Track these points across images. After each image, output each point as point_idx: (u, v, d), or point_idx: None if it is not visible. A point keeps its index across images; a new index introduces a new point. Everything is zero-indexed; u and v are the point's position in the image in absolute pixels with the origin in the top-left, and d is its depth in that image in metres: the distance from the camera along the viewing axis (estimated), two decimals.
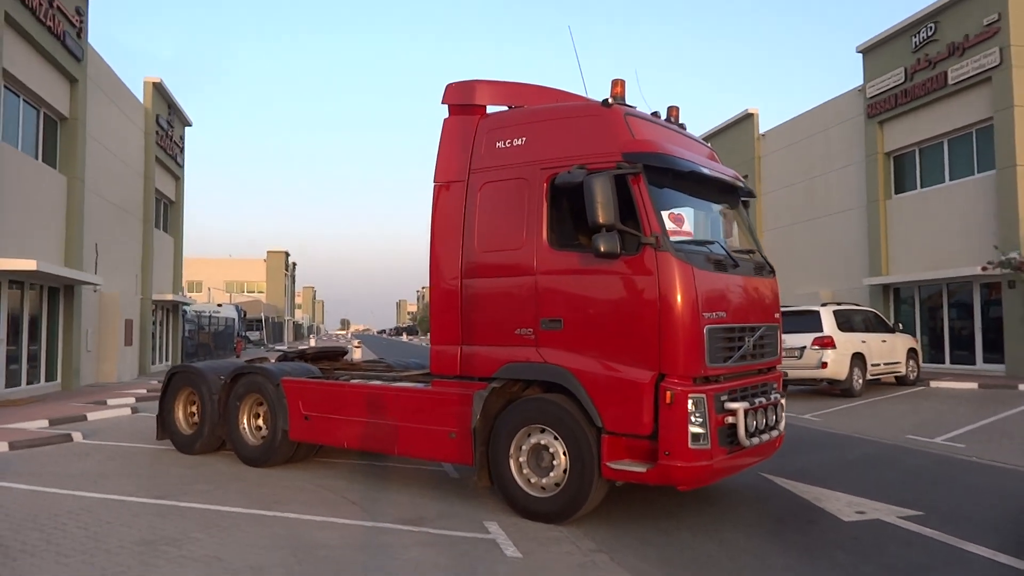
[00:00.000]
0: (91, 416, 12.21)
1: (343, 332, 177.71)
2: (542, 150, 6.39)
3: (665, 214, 5.91)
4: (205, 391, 8.83)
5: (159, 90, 24.42)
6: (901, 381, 16.87)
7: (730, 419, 5.87)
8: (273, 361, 9.41)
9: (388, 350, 47.26)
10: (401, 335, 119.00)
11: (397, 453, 7.23)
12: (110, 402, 14.09)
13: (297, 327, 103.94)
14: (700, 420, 5.59)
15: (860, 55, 22.78)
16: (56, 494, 6.91)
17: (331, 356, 9.91)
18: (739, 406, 5.90)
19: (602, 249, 5.70)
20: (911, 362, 16.98)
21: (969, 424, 11.22)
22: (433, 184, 7.02)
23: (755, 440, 6.07)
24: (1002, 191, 17.91)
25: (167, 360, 27.04)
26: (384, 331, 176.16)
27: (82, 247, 17.52)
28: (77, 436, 10.12)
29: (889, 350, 16.15)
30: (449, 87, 7.04)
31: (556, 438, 6.04)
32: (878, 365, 15.73)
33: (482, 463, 6.43)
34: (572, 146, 6.23)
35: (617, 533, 5.83)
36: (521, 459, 6.21)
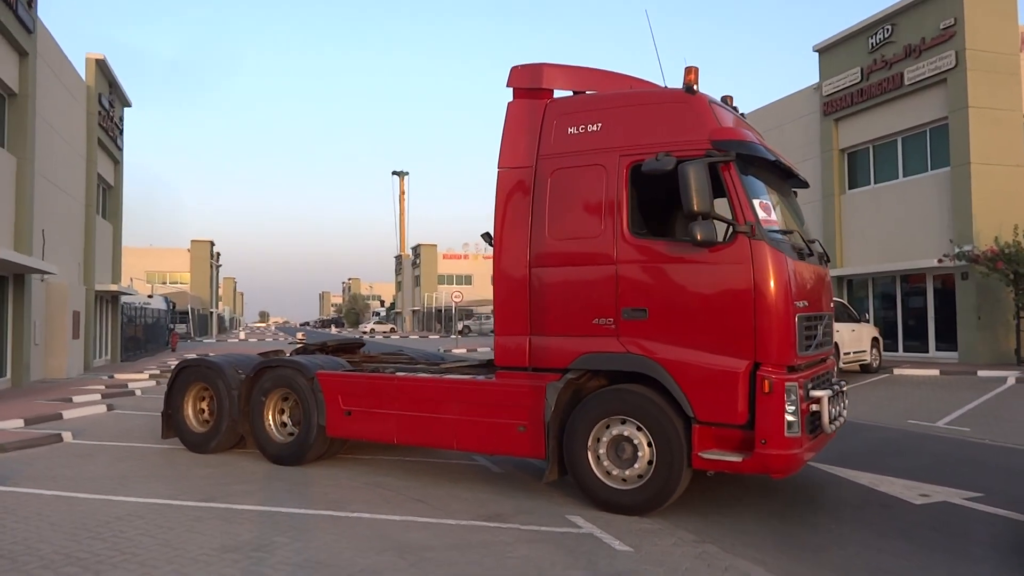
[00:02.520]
0: (66, 415, 11.38)
1: (262, 324, 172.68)
2: (621, 136, 6.26)
3: (756, 202, 5.88)
4: (222, 386, 8.33)
5: (102, 67, 22.98)
6: (865, 369, 17.56)
7: (814, 407, 5.91)
8: (290, 354, 8.98)
9: None
10: (329, 327, 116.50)
11: (456, 448, 6.99)
12: (76, 399, 13.19)
13: (220, 319, 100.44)
14: (794, 408, 5.60)
15: (816, 54, 23.53)
16: (89, 499, 6.37)
17: (349, 348, 9.53)
18: (823, 393, 5.95)
19: (700, 237, 5.63)
20: (874, 350, 17.70)
21: (958, 409, 11.75)
22: (497, 169, 6.79)
23: (834, 426, 6.15)
24: (957, 188, 18.84)
25: (106, 355, 25.61)
26: (307, 323, 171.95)
27: (32, 234, 16.31)
28: (67, 436, 9.40)
29: (857, 339, 16.78)
30: (515, 70, 6.82)
31: (639, 429, 5.94)
32: (848, 354, 16.32)
33: (553, 456, 6.28)
34: (654, 133, 6.12)
35: (705, 523, 5.78)
36: (600, 451, 6.08)
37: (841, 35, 22.37)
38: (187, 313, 64.84)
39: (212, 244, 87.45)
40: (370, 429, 7.43)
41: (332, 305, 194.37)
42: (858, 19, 21.62)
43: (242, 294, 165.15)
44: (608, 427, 6.07)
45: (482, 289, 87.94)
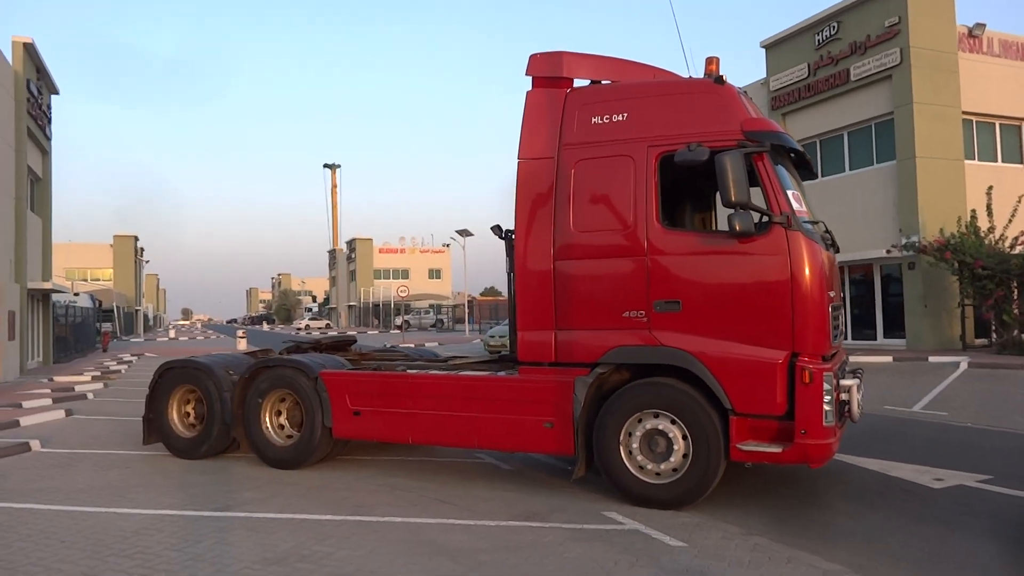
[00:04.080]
0: (23, 421, 10.63)
1: (185, 322, 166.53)
2: (648, 127, 6.18)
3: (789, 193, 5.90)
4: (212, 388, 7.90)
5: (30, 52, 21.56)
6: None
7: (843, 395, 5.98)
8: (280, 353, 8.60)
9: (277, 341, 44.98)
10: (260, 324, 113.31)
11: (477, 446, 6.82)
12: (27, 405, 12.35)
13: (144, 317, 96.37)
14: (830, 398, 5.65)
15: (763, 50, 24.08)
16: (92, 513, 5.92)
17: (342, 346, 9.19)
18: (852, 383, 6.02)
19: (738, 228, 5.61)
20: None
21: (926, 395, 12.21)
22: (517, 160, 6.62)
23: (859, 414, 6.24)
24: (903, 181, 19.61)
25: (38, 357, 24.16)
26: (234, 320, 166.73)
27: None
28: (35, 444, 8.77)
29: None
30: (534, 58, 6.66)
31: (673, 422, 5.90)
32: None
33: (582, 452, 6.18)
34: (683, 123, 6.07)
35: (744, 514, 5.80)
36: (633, 446, 6.01)
37: (788, 31, 22.96)
38: (112, 311, 62.01)
39: (136, 239, 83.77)
40: (382, 429, 7.17)
41: (260, 301, 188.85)
42: (804, 16, 22.16)
43: (164, 291, 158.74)
44: (640, 421, 6.00)
45: (420, 283, 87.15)
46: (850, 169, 21.49)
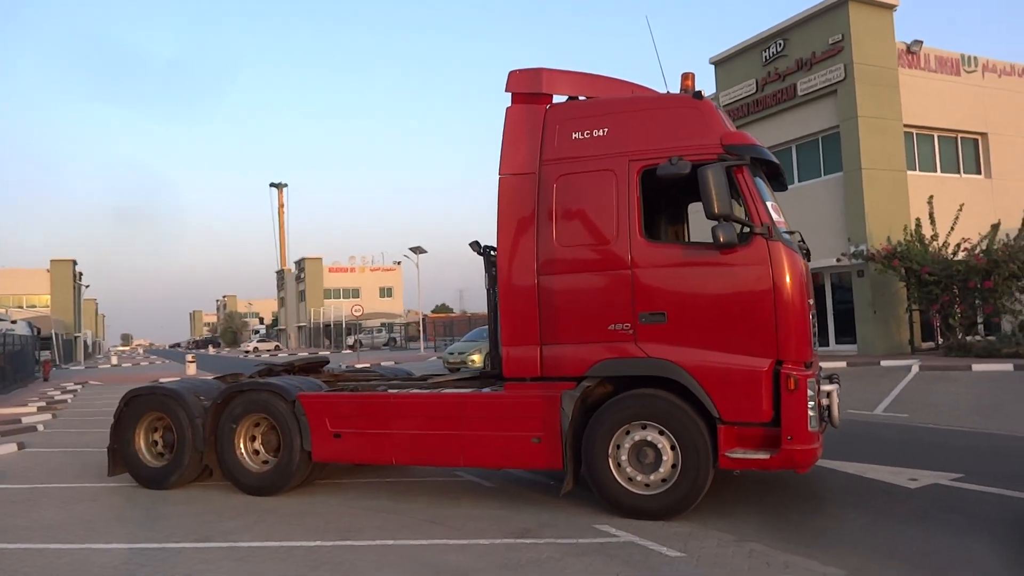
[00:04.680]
0: None
1: (126, 348, 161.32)
2: (628, 141, 6.27)
3: (768, 204, 6.04)
4: (183, 415, 7.65)
5: None
6: None
7: (824, 400, 6.12)
8: (251, 376, 8.39)
9: (229, 365, 43.91)
10: (206, 347, 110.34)
11: (463, 464, 6.76)
12: None
13: (84, 344, 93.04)
14: (813, 404, 5.78)
15: (712, 66, 24.70)
16: (69, 550, 5.64)
17: (314, 368, 9.01)
18: (832, 388, 6.19)
19: (722, 240, 5.72)
20: None
21: (884, 397, 12.58)
22: (498, 176, 6.63)
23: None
24: (849, 191, 20.26)
25: None
26: (178, 345, 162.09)
27: None
28: None
29: None
30: (513, 74, 6.69)
31: (661, 433, 5.94)
32: None
33: (570, 466, 6.18)
34: (663, 138, 6.17)
35: (732, 522, 5.86)
36: (622, 458, 6.04)
37: (736, 48, 23.60)
38: (50, 339, 59.65)
39: (74, 263, 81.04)
40: (364, 451, 7.05)
41: (205, 324, 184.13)
42: (750, 34, 22.79)
43: (104, 316, 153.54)
44: (628, 433, 6.04)
45: (371, 302, 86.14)
46: (799, 181, 22.10)
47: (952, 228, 18.81)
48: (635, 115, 6.38)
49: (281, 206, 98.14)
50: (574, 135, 6.44)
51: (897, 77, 20.62)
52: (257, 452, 7.53)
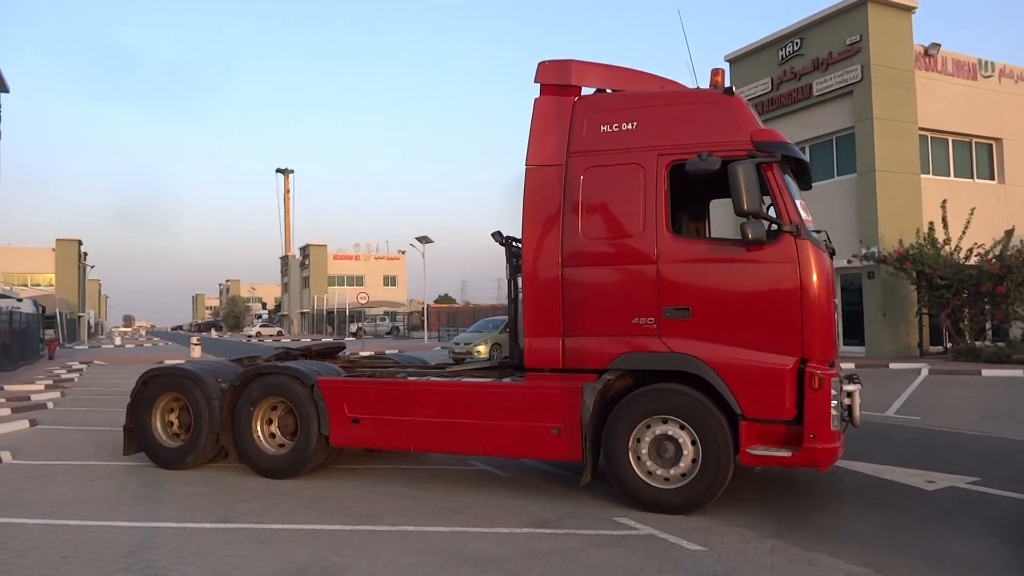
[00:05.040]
0: None
1: (127, 329, 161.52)
2: (658, 136, 6.25)
3: (798, 202, 6.02)
4: (199, 396, 7.66)
5: None
6: None
7: (846, 400, 6.12)
8: (265, 360, 8.40)
9: (232, 348, 44.11)
10: (209, 331, 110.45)
11: (482, 453, 6.76)
12: None
13: (87, 324, 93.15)
14: (836, 403, 5.77)
15: (727, 64, 24.61)
16: (88, 527, 5.67)
17: (330, 354, 9.02)
18: (855, 388, 6.17)
19: (751, 236, 5.70)
20: None
21: (896, 400, 12.57)
22: (525, 167, 6.61)
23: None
24: (862, 193, 20.22)
25: None
26: (180, 327, 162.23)
27: None
28: (6, 456, 8.36)
29: None
30: (542, 65, 6.67)
31: (683, 428, 5.94)
32: None
33: (589, 458, 6.19)
34: (693, 133, 6.15)
35: (752, 518, 5.86)
36: (642, 451, 6.04)
37: (752, 46, 23.51)
38: (55, 318, 59.78)
39: (80, 243, 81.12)
40: (382, 437, 7.06)
41: (207, 308, 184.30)
42: (766, 32, 22.76)
43: (107, 297, 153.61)
44: (649, 427, 6.03)
45: (375, 290, 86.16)
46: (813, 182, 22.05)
47: (964, 232, 18.76)
48: (665, 109, 6.35)
49: (287, 192, 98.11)
50: (603, 128, 6.41)
51: (914, 80, 20.54)
52: (273, 435, 7.54)
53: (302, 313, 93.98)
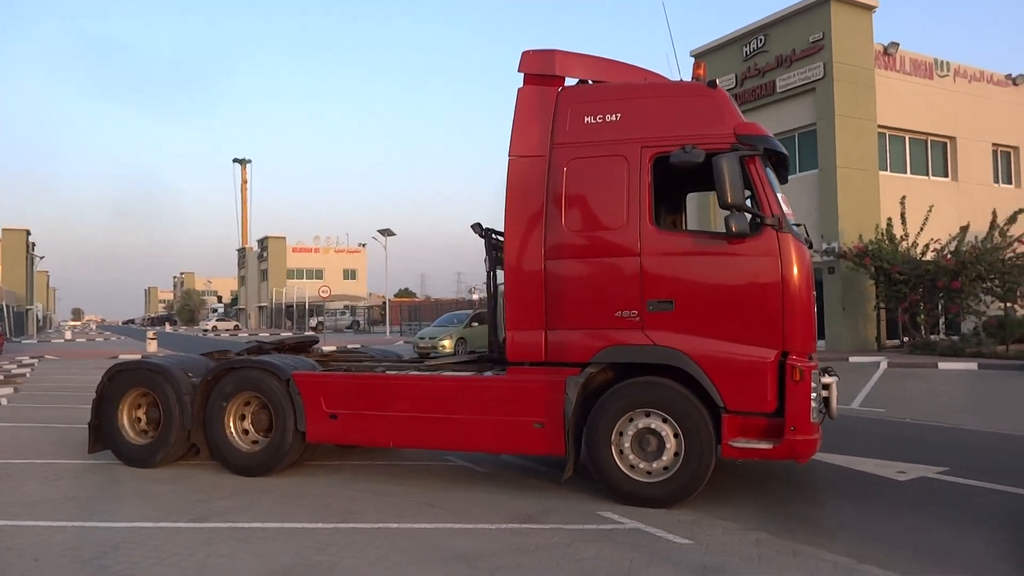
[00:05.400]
0: None
1: (76, 323, 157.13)
2: (642, 128, 6.25)
3: (779, 195, 6.08)
4: (170, 392, 7.45)
5: None
6: None
7: (824, 392, 6.21)
8: (236, 355, 8.22)
9: (189, 343, 43.20)
10: (163, 325, 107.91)
11: (463, 448, 6.73)
12: None
13: (35, 318, 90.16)
14: (815, 395, 5.86)
15: (692, 59, 24.82)
16: (59, 528, 5.46)
17: (304, 347, 8.85)
18: (832, 380, 6.27)
19: (735, 229, 5.74)
20: None
21: (858, 392, 12.87)
22: (508, 158, 6.56)
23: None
24: (824, 189, 20.62)
25: None
26: (131, 321, 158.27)
27: None
28: None
29: None
30: (526, 55, 6.61)
31: (665, 421, 5.97)
32: None
33: (571, 453, 6.18)
34: (677, 125, 6.16)
35: (734, 510, 5.93)
36: (624, 445, 6.05)
37: (717, 42, 23.78)
38: (1, 311, 57.74)
39: (28, 233, 78.47)
40: (360, 432, 6.95)
41: (161, 301, 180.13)
42: (731, 28, 23.01)
43: (55, 289, 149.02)
44: (632, 420, 6.05)
45: (334, 284, 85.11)
46: None
47: (921, 229, 19.26)
48: (649, 101, 6.35)
49: (244, 182, 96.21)
50: (586, 119, 6.39)
51: (873, 78, 20.99)
52: (247, 431, 7.38)
53: (260, 307, 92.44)
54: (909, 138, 22.52)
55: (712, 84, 6.24)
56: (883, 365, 16.18)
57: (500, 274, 7.75)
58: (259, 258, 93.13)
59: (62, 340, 52.04)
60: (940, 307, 18.69)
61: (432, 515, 5.81)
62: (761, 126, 6.33)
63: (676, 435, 5.93)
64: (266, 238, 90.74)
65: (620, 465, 6.05)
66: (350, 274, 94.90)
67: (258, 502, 6.23)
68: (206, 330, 75.67)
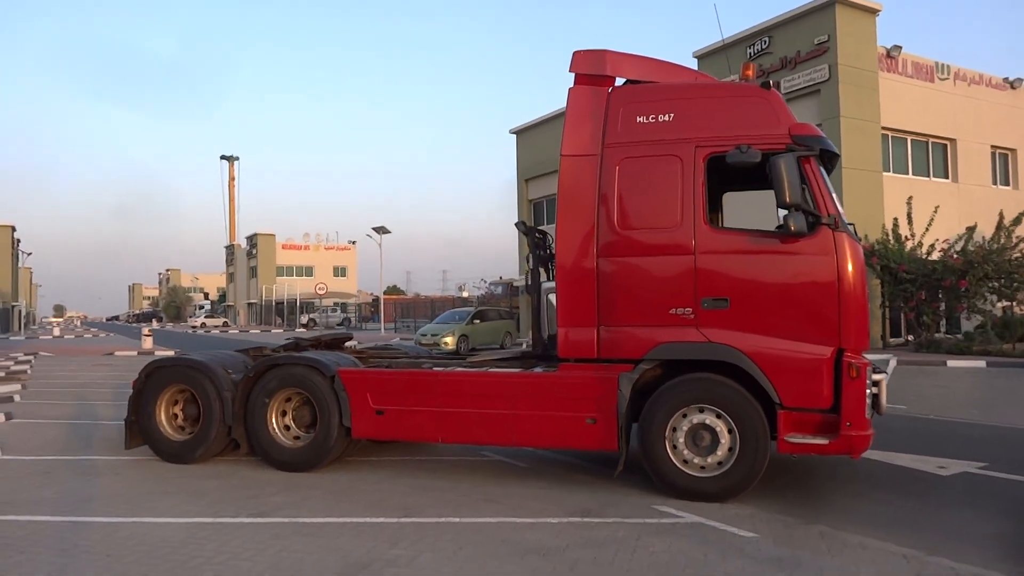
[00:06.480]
0: None
1: (58, 320, 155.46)
2: (695, 128, 6.29)
3: (834, 195, 6.15)
4: (210, 388, 7.43)
5: None
6: None
7: (874, 390, 6.28)
8: (274, 351, 8.19)
9: (179, 339, 42.92)
10: (150, 321, 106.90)
11: (514, 444, 6.75)
12: None
13: (20, 314, 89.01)
14: (868, 391, 5.93)
15: (696, 60, 24.95)
16: (119, 524, 5.43)
17: (338, 344, 8.84)
18: (882, 377, 6.34)
19: (794, 228, 5.80)
20: None
21: None
22: (561, 157, 6.59)
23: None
24: None
25: None
26: (116, 318, 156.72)
27: None
28: None
29: None
30: (577, 55, 6.64)
31: (719, 416, 6.03)
32: None
33: (624, 448, 6.23)
34: (730, 126, 6.21)
35: (786, 504, 6.00)
36: (678, 440, 6.10)
37: (720, 43, 23.84)
38: None
39: (13, 229, 77.54)
40: (408, 428, 6.95)
41: (145, 298, 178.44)
42: (734, 30, 23.12)
43: (38, 286, 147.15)
44: (686, 416, 6.10)
45: (325, 281, 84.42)
46: None
47: (927, 228, 19.47)
48: (701, 102, 6.40)
49: (232, 179, 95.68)
50: (639, 119, 6.42)
51: (877, 80, 21.19)
52: (288, 428, 7.37)
53: (249, 304, 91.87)
54: (911, 140, 22.77)
55: (766, 85, 6.30)
56: (892, 363, 16.28)
57: (542, 272, 7.78)
58: (248, 255, 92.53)
59: (50, 337, 51.51)
60: (944, 306, 18.91)
61: (490, 510, 5.83)
62: (814, 127, 6.39)
63: (730, 431, 5.99)
64: (255, 235, 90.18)
65: (674, 460, 6.09)
66: (340, 271, 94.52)
67: (310, 498, 6.22)
68: (195, 327, 75.09)
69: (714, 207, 8.21)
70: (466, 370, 7.06)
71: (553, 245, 7.59)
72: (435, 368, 7.21)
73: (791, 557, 4.71)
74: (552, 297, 7.39)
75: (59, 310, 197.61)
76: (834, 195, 6.13)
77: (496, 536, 5.15)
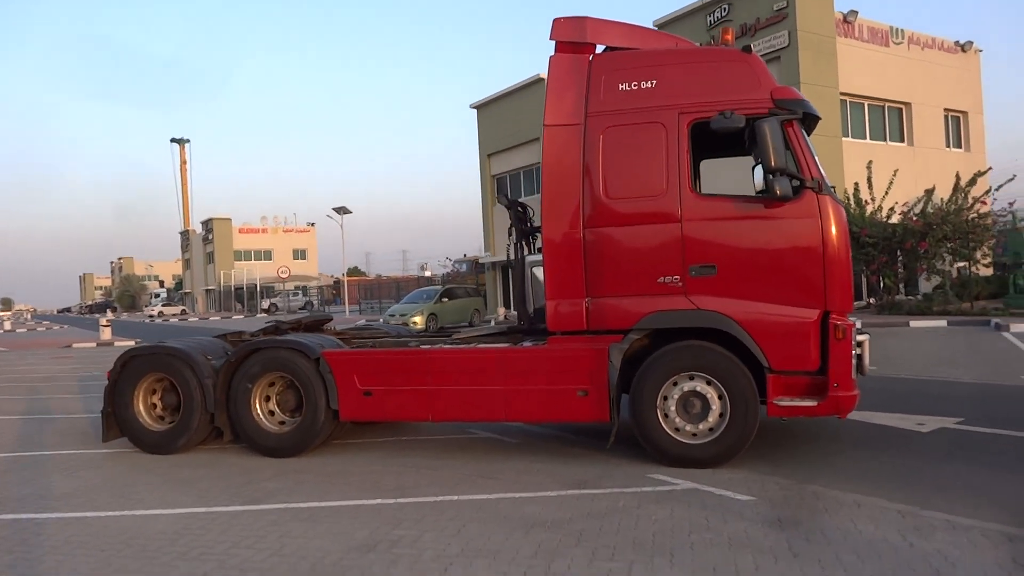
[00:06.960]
0: None
1: (6, 313, 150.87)
2: (678, 94, 6.26)
3: (816, 159, 6.18)
4: (190, 376, 7.24)
5: None
6: None
7: (857, 350, 6.39)
8: (251, 335, 8.03)
9: (138, 329, 41.94)
10: (104, 312, 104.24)
11: (506, 419, 6.71)
12: None
13: None
14: (854, 352, 6.04)
15: (656, 28, 24.90)
16: (111, 518, 5.28)
17: (318, 326, 8.68)
18: (864, 337, 6.46)
19: (779, 192, 5.83)
20: None
21: None
22: (543, 127, 6.50)
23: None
24: None
25: None
26: (67, 309, 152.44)
27: None
28: None
29: None
30: (557, 22, 6.53)
31: (709, 383, 6.08)
32: None
33: (616, 419, 6.26)
34: (714, 91, 6.19)
35: (775, 465, 6.10)
36: (669, 408, 6.14)
37: (680, 12, 23.90)
38: None
39: None
40: (397, 408, 6.88)
41: (97, 288, 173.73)
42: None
43: None
44: (676, 384, 6.14)
45: (284, 264, 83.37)
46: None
47: (886, 192, 19.86)
48: (683, 68, 6.36)
49: (184, 163, 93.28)
50: (621, 86, 6.37)
51: (835, 46, 21.42)
52: (272, 413, 7.24)
53: (207, 290, 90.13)
54: (868, 104, 23.14)
55: (747, 49, 6.28)
56: (857, 324, 16.70)
57: (525, 246, 7.72)
58: (204, 240, 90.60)
59: (1, 331, 49.86)
60: (904, 268, 19.37)
61: (487, 486, 5.81)
62: (795, 90, 6.41)
63: (721, 397, 6.05)
64: (211, 220, 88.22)
65: (666, 428, 6.14)
66: (300, 254, 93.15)
67: (302, 483, 6.13)
68: (152, 316, 73.52)
69: (694, 175, 8.21)
70: (454, 347, 6.99)
71: (535, 218, 7.54)
72: (422, 347, 7.13)
73: (790, 517, 4.78)
74: (537, 270, 7.36)
75: (7, 303, 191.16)
76: (816, 158, 6.17)
77: (497, 512, 5.13)
